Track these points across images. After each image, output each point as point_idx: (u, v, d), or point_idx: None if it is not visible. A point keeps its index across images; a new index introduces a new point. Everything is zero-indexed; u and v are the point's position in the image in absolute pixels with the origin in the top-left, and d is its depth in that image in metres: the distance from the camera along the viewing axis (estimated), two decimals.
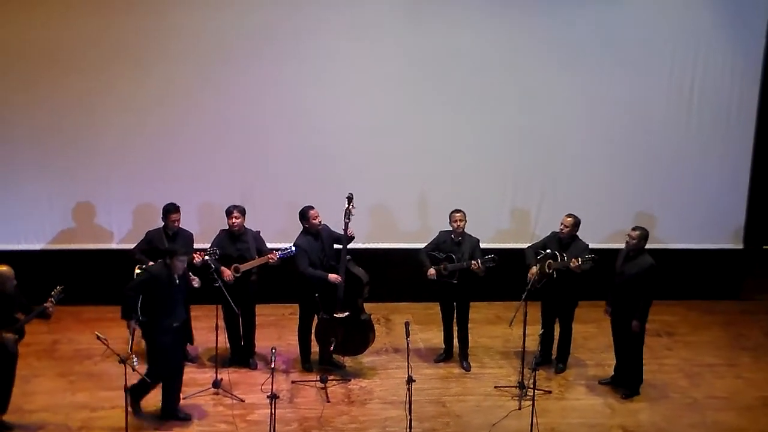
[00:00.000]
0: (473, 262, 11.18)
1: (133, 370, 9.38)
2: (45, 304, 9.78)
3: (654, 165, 13.38)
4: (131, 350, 10.41)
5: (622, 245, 11.01)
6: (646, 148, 13.33)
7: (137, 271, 11.10)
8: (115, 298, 12.59)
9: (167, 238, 11.28)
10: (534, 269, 11.08)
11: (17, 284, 9.80)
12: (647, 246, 10.97)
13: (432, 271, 11.36)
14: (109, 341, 9.62)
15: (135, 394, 10.13)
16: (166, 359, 10.08)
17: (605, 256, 11.06)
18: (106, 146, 12.66)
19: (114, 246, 12.89)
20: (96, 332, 9.65)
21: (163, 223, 11.36)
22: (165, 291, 9.94)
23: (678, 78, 13.21)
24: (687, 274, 13.60)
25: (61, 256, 12.79)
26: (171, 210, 11.29)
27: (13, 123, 12.49)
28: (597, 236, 12.21)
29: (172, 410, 10.25)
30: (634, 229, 10.89)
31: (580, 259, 10.87)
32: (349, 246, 11.26)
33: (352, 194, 11.28)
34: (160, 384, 10.17)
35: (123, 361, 9.44)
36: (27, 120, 12.50)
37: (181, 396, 10.65)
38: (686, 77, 13.22)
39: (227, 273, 11.10)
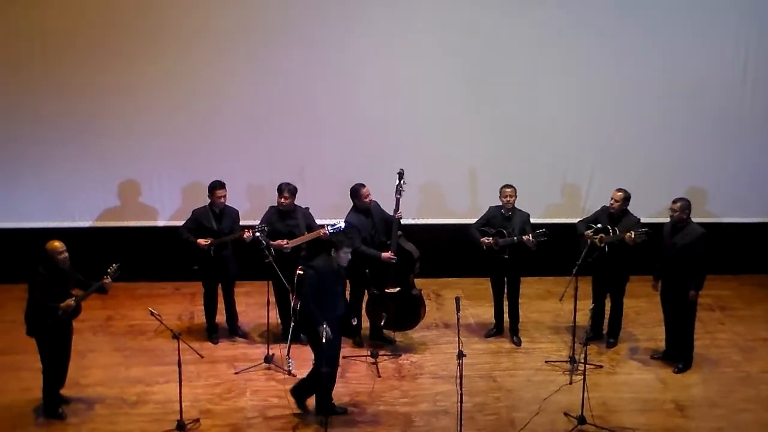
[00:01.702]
0: (525, 236, 11.15)
1: (289, 373, 9.48)
2: (102, 281, 9.90)
3: (705, 138, 13.25)
4: (289, 354, 10.50)
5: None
6: (698, 121, 13.20)
7: (299, 272, 10.34)
8: (168, 275, 12.87)
9: (213, 216, 11.34)
10: (589, 232, 10.97)
11: (74, 260, 9.92)
12: (700, 220, 10.86)
13: (488, 239, 11.33)
14: (162, 317, 9.75)
15: (301, 393, 9.99)
16: (334, 353, 9.88)
17: (656, 230, 10.99)
18: (155, 125, 12.74)
19: (161, 223, 13.00)
20: (149, 308, 9.77)
21: (209, 201, 11.41)
22: (332, 284, 9.74)
23: (731, 52, 13.05)
24: (740, 248, 13.49)
25: (115, 232, 12.93)
26: (216, 186, 11.33)
27: (65, 104, 12.60)
28: (647, 210, 12.11)
29: (329, 405, 9.99)
30: (674, 201, 10.81)
31: (633, 233, 10.81)
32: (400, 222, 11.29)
33: (402, 170, 11.30)
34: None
35: (176, 336, 9.56)
36: (77, 100, 12.60)
37: (235, 371, 10.80)
38: (740, 52, 13.06)
39: (281, 242, 11.12)
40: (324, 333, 9.42)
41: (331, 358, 9.85)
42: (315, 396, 9.95)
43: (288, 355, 10.55)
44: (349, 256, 9.82)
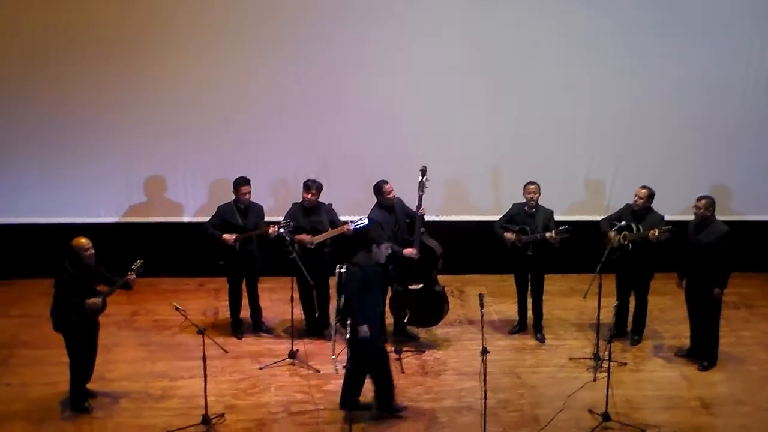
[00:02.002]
0: (548, 233, 11.14)
1: (337, 372, 9.40)
2: (127, 277, 9.96)
3: (729, 136, 13.18)
4: (334, 351, 10.37)
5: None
6: (722, 119, 13.13)
7: (340, 270, 10.16)
8: (192, 271, 12.92)
9: (239, 212, 11.39)
10: (612, 233, 10.97)
11: (98, 255, 9.97)
12: (724, 217, 10.82)
13: (511, 235, 11.33)
14: (187, 312, 9.80)
15: (382, 400, 9.95)
16: (373, 346, 9.87)
17: (680, 227, 10.95)
18: (180, 121, 12.79)
19: (186, 219, 13.05)
20: (174, 303, 9.82)
21: (234, 197, 11.45)
22: (374, 281, 9.83)
23: (758, 50, 12.96)
24: (765, 246, 13.40)
25: (139, 228, 13.00)
26: (241, 182, 11.36)
27: (89, 100, 12.66)
28: (671, 208, 12.04)
29: (388, 402, 9.99)
30: (699, 198, 10.78)
31: (657, 230, 10.78)
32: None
33: (425, 167, 11.31)
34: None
35: (201, 331, 9.60)
36: (102, 97, 12.66)
37: (259, 366, 10.84)
38: (766, 49, 12.97)
39: (306, 237, 11.16)
40: (362, 331, 9.49)
41: (379, 355, 9.88)
42: (341, 390, 9.97)
43: (333, 352, 10.41)
44: (389, 251, 9.87)
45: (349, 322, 9.37)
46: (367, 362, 9.83)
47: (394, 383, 10.04)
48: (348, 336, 9.34)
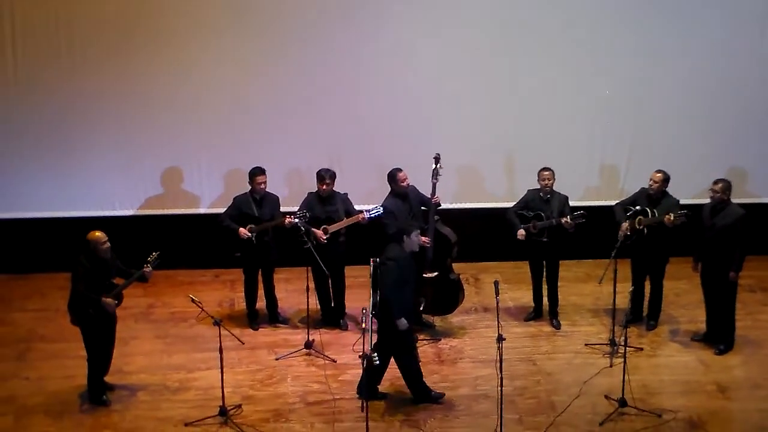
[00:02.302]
0: (563, 219, 11.12)
1: (373, 363, 9.20)
2: (143, 269, 10.00)
3: (745, 118, 13.11)
4: (372, 345, 10.01)
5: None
6: (736, 101, 13.06)
7: (374, 264, 10.05)
8: (208, 262, 12.95)
9: (254, 203, 11.40)
10: (625, 225, 10.98)
11: (113, 249, 10.01)
12: (739, 200, 10.78)
13: (522, 232, 11.33)
14: (203, 304, 9.83)
15: (370, 382, 9.96)
16: (408, 338, 9.97)
17: (696, 211, 10.92)
18: (195, 112, 12.78)
19: (203, 211, 13.08)
20: (190, 295, 9.87)
21: (249, 188, 11.46)
22: (408, 273, 9.86)
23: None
24: None
25: (154, 220, 13.01)
26: (257, 173, 11.36)
27: (103, 93, 12.67)
28: (687, 192, 12.03)
29: (423, 391, 10.06)
30: (716, 182, 10.75)
31: (672, 215, 10.75)
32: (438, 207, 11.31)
33: (439, 155, 11.31)
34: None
35: (217, 323, 9.63)
36: (116, 89, 12.66)
37: (276, 357, 10.87)
38: None
39: (319, 233, 11.18)
40: (401, 325, 9.62)
41: (410, 346, 9.96)
42: (360, 378, 9.98)
43: (372, 347, 9.95)
44: (420, 239, 9.85)
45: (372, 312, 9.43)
46: (398, 353, 9.88)
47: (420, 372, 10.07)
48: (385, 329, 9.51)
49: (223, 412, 9.74)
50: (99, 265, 9.80)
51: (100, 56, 12.62)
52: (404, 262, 9.80)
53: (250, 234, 11.20)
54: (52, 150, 12.80)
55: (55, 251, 12.70)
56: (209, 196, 13.08)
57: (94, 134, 12.80)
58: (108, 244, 9.84)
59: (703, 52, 12.89)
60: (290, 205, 11.75)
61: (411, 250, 9.89)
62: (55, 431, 9.67)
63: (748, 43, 12.92)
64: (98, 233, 9.85)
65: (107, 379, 10.23)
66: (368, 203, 11.57)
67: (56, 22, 12.51)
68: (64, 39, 12.55)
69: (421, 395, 10.04)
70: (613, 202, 11.64)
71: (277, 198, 11.62)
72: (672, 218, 10.76)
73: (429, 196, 11.28)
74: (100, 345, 9.98)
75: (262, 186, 11.39)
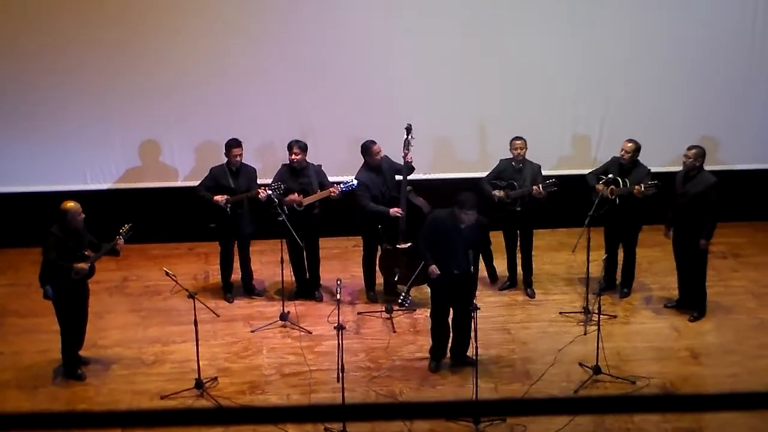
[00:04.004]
0: (534, 187, 11.14)
1: (401, 305, 9.55)
2: (115, 241, 9.95)
3: (716, 85, 13.13)
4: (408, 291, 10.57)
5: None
6: (708, 68, 13.08)
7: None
8: (182, 235, 12.90)
9: (231, 174, 11.36)
10: (600, 186, 10.96)
11: (86, 223, 9.96)
12: (712, 168, 10.83)
13: (500, 192, 11.33)
14: (178, 277, 9.81)
15: (458, 353, 10.21)
16: (439, 301, 10.11)
17: (668, 179, 10.97)
18: (169, 85, 12.70)
19: (179, 184, 13.01)
20: (164, 268, 9.85)
21: (226, 159, 11.43)
22: (446, 237, 9.86)
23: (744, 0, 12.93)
24: (753, 195, 13.42)
25: (127, 194, 12.94)
26: (233, 145, 11.33)
27: (78, 64, 12.57)
28: (659, 160, 12.06)
29: (462, 353, 10.21)
30: (689, 148, 10.80)
31: (642, 186, 10.79)
32: (411, 177, 11.31)
33: (410, 125, 11.30)
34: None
35: (192, 296, 9.62)
36: (92, 61, 12.57)
37: (251, 329, 10.87)
38: None
39: (296, 198, 11.15)
40: (431, 272, 9.89)
41: (436, 310, 10.11)
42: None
43: (408, 291, 10.71)
44: (472, 218, 9.82)
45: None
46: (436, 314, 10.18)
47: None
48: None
49: (199, 384, 9.76)
50: (71, 235, 9.75)
51: (71, 29, 12.49)
52: (441, 222, 9.97)
53: (224, 201, 11.17)
54: (22, 124, 12.68)
55: (27, 226, 12.60)
56: (183, 170, 13.01)
57: (66, 108, 12.69)
58: (83, 215, 9.80)
59: (677, 22, 12.89)
60: (264, 177, 11.71)
61: (461, 222, 9.83)
62: (29, 406, 9.65)
63: (721, 12, 12.93)
64: (72, 203, 9.82)
65: (82, 353, 10.22)
66: (342, 175, 11.55)
67: None
68: (33, 11, 12.42)
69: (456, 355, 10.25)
70: (585, 171, 11.68)
71: (254, 170, 11.57)
72: (642, 189, 10.77)
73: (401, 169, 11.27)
74: (72, 318, 9.96)
75: (238, 158, 11.35)
